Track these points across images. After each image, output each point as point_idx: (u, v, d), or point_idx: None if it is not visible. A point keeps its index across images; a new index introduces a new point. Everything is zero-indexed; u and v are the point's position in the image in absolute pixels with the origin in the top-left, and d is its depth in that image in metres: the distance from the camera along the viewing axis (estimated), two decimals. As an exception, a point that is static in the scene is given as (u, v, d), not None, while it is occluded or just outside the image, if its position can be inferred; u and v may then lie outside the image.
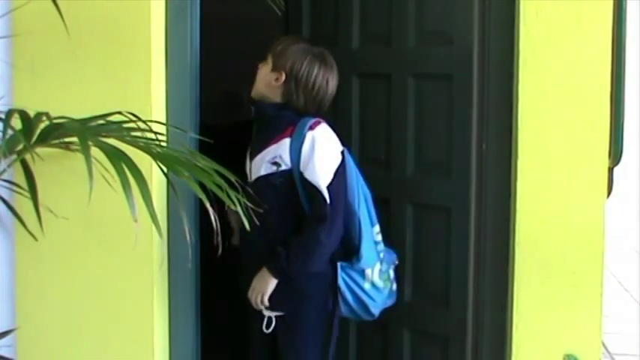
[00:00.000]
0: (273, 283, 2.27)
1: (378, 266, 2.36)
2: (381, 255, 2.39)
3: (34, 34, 2.27)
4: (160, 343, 2.44)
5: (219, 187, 1.69)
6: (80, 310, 2.38)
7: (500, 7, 2.38)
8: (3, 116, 1.72)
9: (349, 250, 2.33)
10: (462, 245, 2.50)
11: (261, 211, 1.96)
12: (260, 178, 2.29)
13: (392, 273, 2.44)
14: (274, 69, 2.30)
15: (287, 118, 2.28)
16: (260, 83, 2.35)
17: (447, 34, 2.46)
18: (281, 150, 2.25)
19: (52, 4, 1.84)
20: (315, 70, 2.26)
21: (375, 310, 2.40)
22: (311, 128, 2.23)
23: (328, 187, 2.19)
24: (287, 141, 2.25)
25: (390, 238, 2.50)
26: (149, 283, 2.35)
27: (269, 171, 2.26)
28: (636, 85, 2.77)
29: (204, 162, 1.82)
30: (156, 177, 2.15)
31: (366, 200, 2.36)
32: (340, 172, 2.24)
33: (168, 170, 1.86)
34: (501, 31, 2.39)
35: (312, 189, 2.21)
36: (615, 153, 2.37)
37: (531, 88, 2.30)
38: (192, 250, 2.01)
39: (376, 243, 2.38)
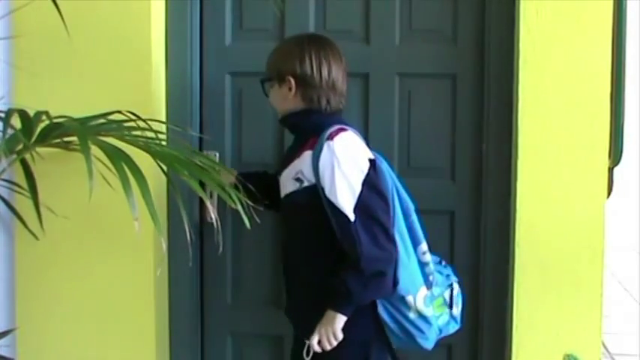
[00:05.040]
0: (341, 320, 1.99)
1: (423, 291, 2.06)
2: (431, 278, 2.09)
3: (34, 34, 2.27)
4: (160, 342, 2.44)
5: (220, 185, 1.69)
6: (80, 309, 2.38)
7: (500, 7, 2.39)
8: (3, 116, 1.72)
9: None
10: (463, 246, 2.51)
11: (261, 209, 1.94)
12: (286, 197, 2.05)
13: (448, 296, 2.15)
14: (281, 82, 2.08)
15: (309, 128, 2.04)
16: (278, 103, 2.13)
17: (447, 34, 2.46)
18: (303, 164, 2.00)
19: (52, 5, 1.84)
20: (321, 60, 2.05)
21: (426, 343, 2.08)
22: (330, 138, 1.96)
23: (356, 209, 1.93)
24: (308, 154, 1.99)
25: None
26: (149, 282, 2.36)
27: (293, 188, 2.01)
28: (636, 85, 2.77)
29: (204, 160, 1.82)
30: (156, 176, 2.15)
31: (405, 215, 2.08)
32: (370, 184, 1.96)
33: (168, 169, 1.86)
34: (501, 31, 2.39)
35: (336, 212, 1.93)
36: (615, 153, 2.36)
37: (531, 88, 2.30)
38: (192, 249, 2.01)
39: (423, 264, 2.09)
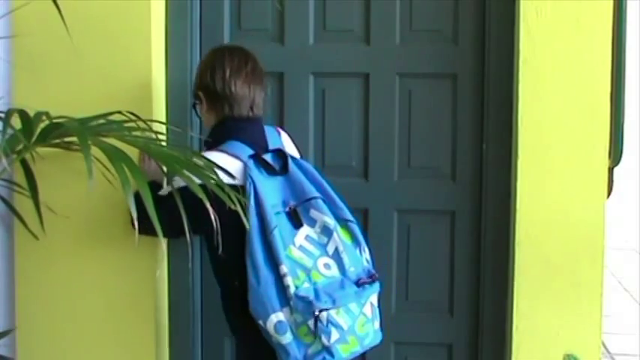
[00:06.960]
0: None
1: (276, 318, 1.89)
2: (292, 303, 1.88)
3: (34, 34, 2.27)
4: (159, 342, 2.44)
5: (220, 186, 1.69)
6: (80, 309, 2.38)
7: (500, 7, 2.40)
8: (3, 116, 1.72)
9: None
10: (463, 246, 2.51)
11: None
12: None
13: (312, 324, 1.88)
14: (200, 101, 2.11)
15: (211, 139, 2.08)
16: (205, 121, 2.15)
17: (447, 34, 2.46)
18: None
19: (52, 4, 1.84)
20: (215, 68, 2.06)
21: None
22: None
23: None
24: None
25: (390, 243, 2.51)
26: (149, 282, 2.36)
27: None
28: (636, 85, 2.77)
29: (204, 161, 1.82)
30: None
31: (262, 237, 1.92)
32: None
33: (168, 169, 1.86)
34: (501, 31, 2.40)
35: None
36: (615, 153, 2.36)
37: (531, 88, 2.30)
38: (192, 249, 2.00)
39: (283, 288, 1.89)
